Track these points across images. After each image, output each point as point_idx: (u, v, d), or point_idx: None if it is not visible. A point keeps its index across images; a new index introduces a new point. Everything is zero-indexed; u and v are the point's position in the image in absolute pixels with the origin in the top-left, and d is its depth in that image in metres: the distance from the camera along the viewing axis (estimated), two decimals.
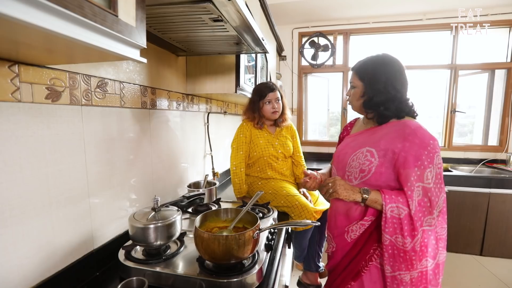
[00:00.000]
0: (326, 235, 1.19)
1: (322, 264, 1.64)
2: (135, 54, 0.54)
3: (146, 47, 0.55)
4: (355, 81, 1.00)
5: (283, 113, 1.57)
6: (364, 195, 0.90)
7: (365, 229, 0.96)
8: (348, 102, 1.06)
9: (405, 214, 0.86)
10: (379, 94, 0.93)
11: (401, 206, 0.86)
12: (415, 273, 0.86)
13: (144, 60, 0.56)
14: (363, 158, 0.95)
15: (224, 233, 0.78)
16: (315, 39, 3.16)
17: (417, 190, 0.86)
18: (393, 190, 0.90)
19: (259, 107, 1.52)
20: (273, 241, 0.99)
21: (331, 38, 3.18)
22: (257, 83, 1.78)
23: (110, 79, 0.90)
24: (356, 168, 0.97)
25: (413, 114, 0.97)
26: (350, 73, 1.04)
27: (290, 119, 1.64)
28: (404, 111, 0.95)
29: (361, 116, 1.13)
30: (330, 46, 3.14)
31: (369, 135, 0.99)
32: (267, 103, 1.50)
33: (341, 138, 1.20)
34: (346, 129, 1.19)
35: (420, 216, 0.86)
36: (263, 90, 1.50)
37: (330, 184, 0.94)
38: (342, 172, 1.03)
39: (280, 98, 1.53)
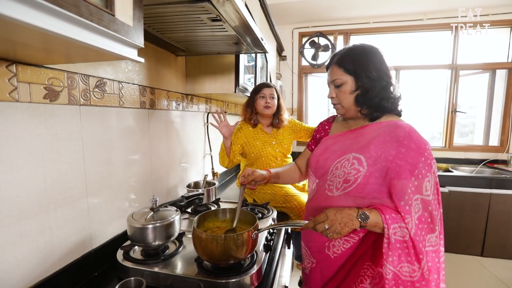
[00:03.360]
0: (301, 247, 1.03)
1: None
2: (132, 53, 0.54)
3: (143, 46, 0.55)
4: (341, 77, 0.84)
5: (279, 113, 1.56)
6: (363, 223, 0.73)
7: (352, 244, 0.82)
8: (333, 104, 0.90)
9: (409, 234, 0.72)
10: (375, 83, 0.81)
11: (403, 225, 0.71)
12: None
13: (142, 60, 0.56)
14: (349, 166, 0.81)
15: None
16: (315, 39, 3.16)
17: (416, 204, 0.72)
18: (389, 207, 0.75)
19: (253, 101, 1.53)
20: (272, 241, 0.99)
21: (331, 38, 3.17)
22: (257, 83, 1.78)
23: (109, 79, 0.90)
24: (340, 177, 0.83)
25: (399, 111, 0.86)
26: (327, 72, 0.89)
27: (288, 121, 1.60)
28: (395, 103, 0.84)
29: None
30: (330, 46, 3.14)
31: (354, 138, 0.86)
32: (261, 97, 1.50)
33: (316, 138, 1.04)
34: (324, 128, 1.03)
35: (424, 235, 0.72)
36: (259, 86, 1.53)
37: (327, 227, 0.72)
38: (323, 181, 0.89)
39: (276, 97, 1.53)
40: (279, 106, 1.55)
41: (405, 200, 0.72)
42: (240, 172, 1.70)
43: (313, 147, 1.06)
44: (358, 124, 0.88)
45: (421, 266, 0.71)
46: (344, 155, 0.84)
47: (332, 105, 0.91)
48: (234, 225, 0.88)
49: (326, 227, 0.73)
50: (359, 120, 0.89)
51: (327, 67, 0.89)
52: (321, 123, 1.06)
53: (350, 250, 0.83)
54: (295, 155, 1.77)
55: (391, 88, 0.82)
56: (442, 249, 0.76)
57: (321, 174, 0.91)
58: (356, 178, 0.79)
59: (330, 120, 1.04)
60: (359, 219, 0.73)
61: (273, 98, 1.51)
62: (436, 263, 0.73)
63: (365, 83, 0.81)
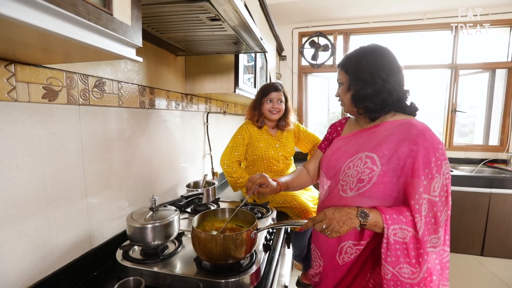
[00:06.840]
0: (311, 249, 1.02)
1: None
2: (131, 53, 0.54)
3: (142, 46, 0.55)
4: (341, 76, 0.88)
5: (286, 116, 1.52)
6: (363, 221, 0.72)
7: (361, 252, 0.83)
8: (340, 103, 0.93)
9: (410, 236, 0.71)
10: (366, 84, 0.81)
11: (405, 227, 0.71)
12: None
13: (140, 59, 0.56)
14: (362, 165, 0.80)
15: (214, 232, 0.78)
16: (315, 39, 3.16)
17: (424, 203, 0.71)
18: (391, 208, 0.75)
19: (260, 104, 1.49)
20: (271, 241, 0.99)
21: (331, 38, 3.17)
22: (256, 83, 1.77)
23: (108, 79, 0.90)
24: (353, 177, 0.81)
25: (409, 110, 0.85)
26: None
27: (294, 125, 1.57)
28: (394, 104, 0.82)
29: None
30: (330, 46, 3.14)
31: (366, 137, 0.85)
32: (268, 101, 1.47)
33: (329, 139, 1.04)
34: (336, 129, 1.03)
35: (426, 234, 0.71)
36: (267, 88, 1.49)
37: (324, 226, 0.73)
38: (335, 181, 0.88)
39: (284, 100, 1.50)
40: (286, 109, 1.52)
41: (415, 200, 0.72)
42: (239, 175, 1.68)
43: (325, 148, 1.04)
44: (371, 123, 0.88)
45: (422, 268, 0.70)
46: (356, 154, 0.84)
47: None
48: (225, 226, 0.88)
49: (324, 226, 0.73)
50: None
51: (338, 65, 0.92)
52: (333, 124, 1.06)
53: (357, 256, 0.83)
54: (297, 156, 1.76)
55: (389, 91, 0.80)
56: (448, 249, 0.76)
57: (333, 174, 0.90)
58: (370, 178, 0.78)
59: (343, 121, 1.04)
60: (359, 218, 0.72)
61: (281, 102, 1.48)
62: (436, 265, 0.72)
63: (356, 84, 0.83)
